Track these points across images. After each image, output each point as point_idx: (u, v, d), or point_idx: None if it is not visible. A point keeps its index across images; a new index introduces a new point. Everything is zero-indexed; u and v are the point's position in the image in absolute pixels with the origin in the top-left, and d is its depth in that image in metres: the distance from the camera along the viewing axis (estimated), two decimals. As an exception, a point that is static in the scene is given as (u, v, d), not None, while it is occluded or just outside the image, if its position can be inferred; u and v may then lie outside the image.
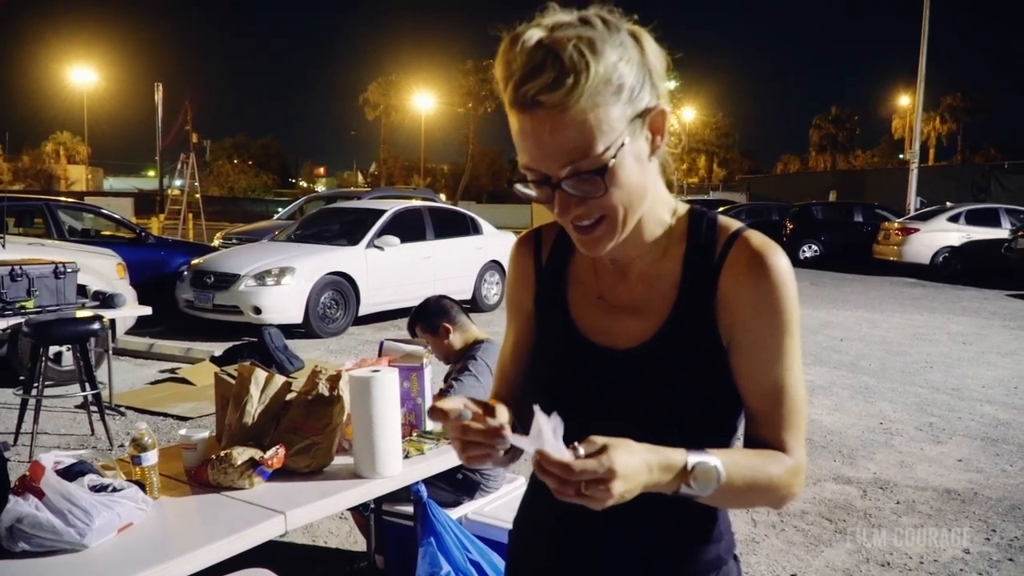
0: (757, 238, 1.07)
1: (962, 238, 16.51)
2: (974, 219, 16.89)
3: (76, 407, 5.66)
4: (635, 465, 0.91)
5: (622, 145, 0.96)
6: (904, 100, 50.27)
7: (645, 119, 0.99)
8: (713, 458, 0.97)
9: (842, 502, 4.18)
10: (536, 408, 0.90)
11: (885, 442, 5.23)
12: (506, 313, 1.33)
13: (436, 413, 0.97)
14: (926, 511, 4.06)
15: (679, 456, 0.96)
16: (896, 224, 17.66)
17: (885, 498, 4.24)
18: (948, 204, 18.80)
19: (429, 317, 3.25)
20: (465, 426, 0.96)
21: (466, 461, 0.99)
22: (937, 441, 5.26)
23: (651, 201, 1.06)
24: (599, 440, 0.90)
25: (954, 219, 16.93)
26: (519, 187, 1.03)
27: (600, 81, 0.93)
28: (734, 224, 1.10)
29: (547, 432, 0.88)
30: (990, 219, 16.97)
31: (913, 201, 22.82)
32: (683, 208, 1.13)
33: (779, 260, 1.05)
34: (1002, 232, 16.16)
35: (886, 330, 9.77)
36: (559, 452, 0.88)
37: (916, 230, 16.84)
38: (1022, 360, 7.98)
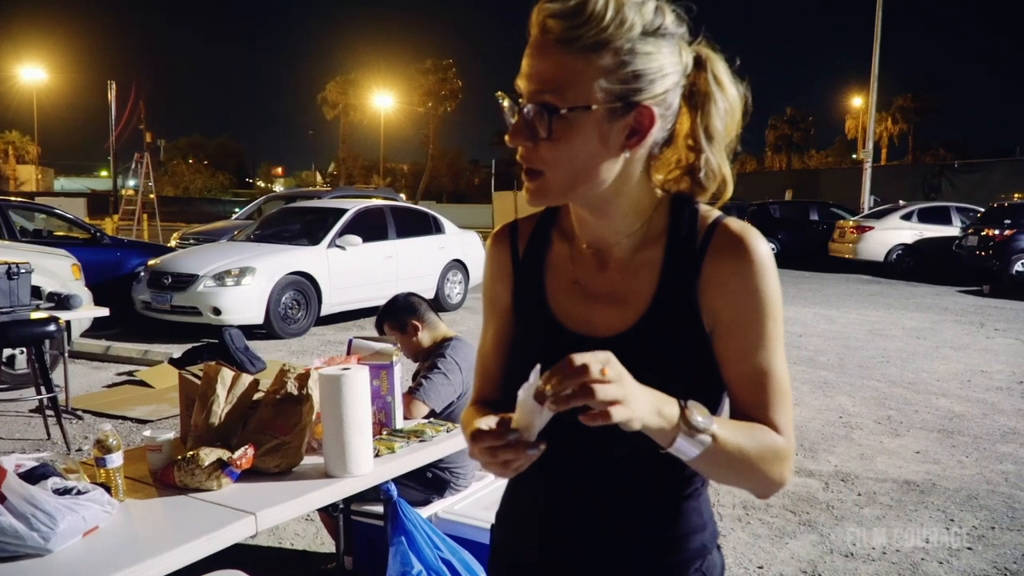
0: (737, 224, 1.08)
1: (915, 236, 16.86)
2: (926, 217, 17.26)
3: (31, 411, 5.53)
4: (633, 383, 0.91)
5: (587, 108, 0.98)
6: (857, 101, 51.14)
7: (631, 111, 1.00)
8: (703, 410, 0.97)
9: (805, 495, 4.24)
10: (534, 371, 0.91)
11: (845, 435, 5.32)
12: (483, 310, 1.31)
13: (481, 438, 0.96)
14: (887, 502, 4.14)
15: (672, 400, 0.96)
16: (851, 222, 17.97)
17: (847, 490, 4.32)
18: (901, 203, 19.19)
19: (397, 314, 3.23)
20: (491, 448, 0.95)
21: (510, 474, 0.97)
22: (895, 434, 5.37)
23: (611, 184, 1.05)
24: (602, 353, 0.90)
25: (907, 217, 17.28)
26: (503, 103, 1.04)
27: (600, 42, 0.97)
28: (714, 212, 1.11)
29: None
30: (942, 217, 17.35)
31: (867, 200, 23.22)
32: (666, 199, 1.13)
33: (760, 245, 1.06)
34: (953, 230, 16.55)
35: (843, 326, 9.95)
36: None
37: (870, 228, 17.17)
38: (974, 354, 8.18)
